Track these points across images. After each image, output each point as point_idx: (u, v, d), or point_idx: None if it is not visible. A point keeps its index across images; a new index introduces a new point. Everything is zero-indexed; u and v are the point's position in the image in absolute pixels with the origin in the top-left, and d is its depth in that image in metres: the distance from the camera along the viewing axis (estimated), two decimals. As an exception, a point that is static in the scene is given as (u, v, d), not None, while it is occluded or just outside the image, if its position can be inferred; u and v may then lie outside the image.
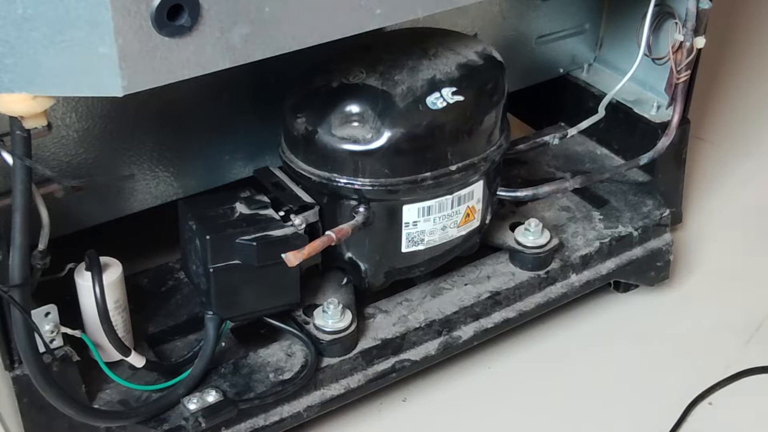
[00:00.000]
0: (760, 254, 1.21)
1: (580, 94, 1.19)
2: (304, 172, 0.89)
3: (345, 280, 0.95)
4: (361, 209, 0.88)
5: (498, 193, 0.98)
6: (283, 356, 0.91)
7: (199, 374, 0.86)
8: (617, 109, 1.13)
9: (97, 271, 0.81)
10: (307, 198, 0.89)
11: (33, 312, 0.75)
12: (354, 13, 0.71)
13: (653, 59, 1.10)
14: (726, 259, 1.19)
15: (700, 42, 1.02)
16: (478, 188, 0.93)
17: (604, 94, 1.08)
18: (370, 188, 0.87)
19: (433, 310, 0.97)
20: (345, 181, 0.87)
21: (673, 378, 1.01)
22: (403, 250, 0.92)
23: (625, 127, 1.15)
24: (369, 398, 0.96)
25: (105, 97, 0.63)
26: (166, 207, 0.94)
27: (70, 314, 0.82)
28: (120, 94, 0.63)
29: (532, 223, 1.01)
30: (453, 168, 0.89)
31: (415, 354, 0.95)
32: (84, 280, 0.83)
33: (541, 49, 1.17)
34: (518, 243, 1.01)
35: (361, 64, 0.88)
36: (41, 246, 0.75)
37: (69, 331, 0.81)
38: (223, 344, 0.90)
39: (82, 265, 0.83)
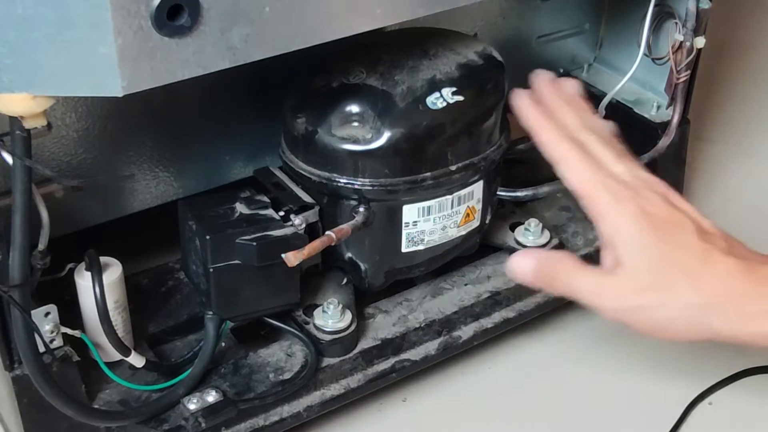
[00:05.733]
0: (760, 254, 1.20)
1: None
2: (304, 172, 0.89)
3: (345, 280, 0.95)
4: (361, 209, 0.88)
5: (498, 193, 0.98)
6: (283, 356, 0.91)
7: (199, 374, 0.86)
8: (617, 109, 1.13)
9: (97, 271, 0.81)
10: (307, 198, 0.89)
11: (33, 312, 0.75)
12: (354, 13, 0.71)
13: (653, 59, 1.10)
14: (726, 259, 1.18)
15: (700, 42, 1.02)
16: (478, 188, 0.93)
17: (604, 94, 1.08)
18: (370, 188, 0.87)
19: (433, 310, 0.97)
20: (345, 181, 0.87)
21: (673, 378, 1.01)
22: (403, 250, 0.92)
23: (625, 127, 1.14)
24: (369, 398, 0.96)
25: (105, 97, 0.63)
26: (166, 207, 0.94)
27: (70, 314, 0.82)
28: (120, 94, 0.62)
29: (532, 223, 1.01)
30: (453, 168, 0.89)
31: (415, 354, 0.95)
32: (84, 280, 0.83)
33: (541, 49, 1.17)
34: (518, 243, 1.01)
35: (361, 64, 0.88)
36: (41, 246, 0.74)
37: (69, 331, 0.81)
38: (223, 344, 0.90)
39: (82, 265, 0.83)
